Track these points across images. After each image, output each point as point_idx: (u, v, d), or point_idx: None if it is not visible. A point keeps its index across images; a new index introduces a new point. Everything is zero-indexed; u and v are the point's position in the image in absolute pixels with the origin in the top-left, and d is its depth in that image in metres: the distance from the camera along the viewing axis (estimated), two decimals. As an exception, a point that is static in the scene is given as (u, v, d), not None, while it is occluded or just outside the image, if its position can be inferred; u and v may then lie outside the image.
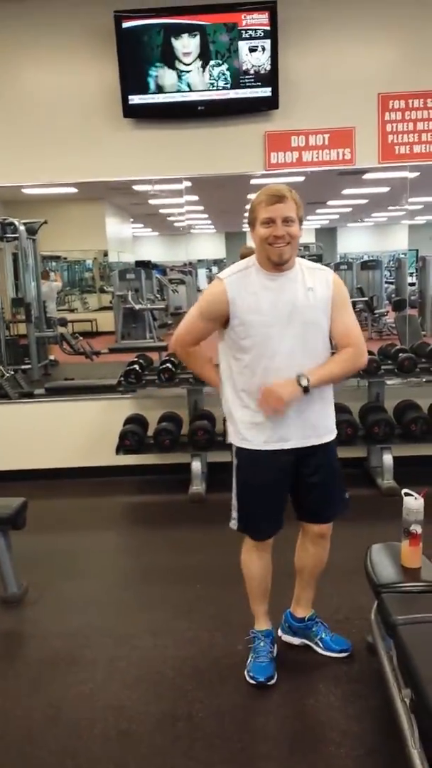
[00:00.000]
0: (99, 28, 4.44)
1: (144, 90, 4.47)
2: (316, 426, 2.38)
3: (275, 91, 4.44)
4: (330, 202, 8.20)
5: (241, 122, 4.59)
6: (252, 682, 2.46)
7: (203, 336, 2.41)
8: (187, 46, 4.39)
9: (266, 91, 4.45)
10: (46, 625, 3.01)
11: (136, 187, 5.48)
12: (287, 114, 4.54)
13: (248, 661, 2.54)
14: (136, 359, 4.91)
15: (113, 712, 2.36)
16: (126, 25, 4.35)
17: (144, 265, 8.61)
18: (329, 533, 2.55)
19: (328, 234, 9.86)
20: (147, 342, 7.37)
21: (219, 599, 3.13)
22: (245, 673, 2.50)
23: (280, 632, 2.72)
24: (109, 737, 2.24)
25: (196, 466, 4.55)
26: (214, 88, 4.46)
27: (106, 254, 8.61)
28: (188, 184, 4.91)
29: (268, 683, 2.45)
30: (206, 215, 8.75)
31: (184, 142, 4.62)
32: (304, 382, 2.24)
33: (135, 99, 4.48)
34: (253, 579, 2.58)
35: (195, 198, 5.48)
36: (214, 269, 12.06)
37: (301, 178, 5.03)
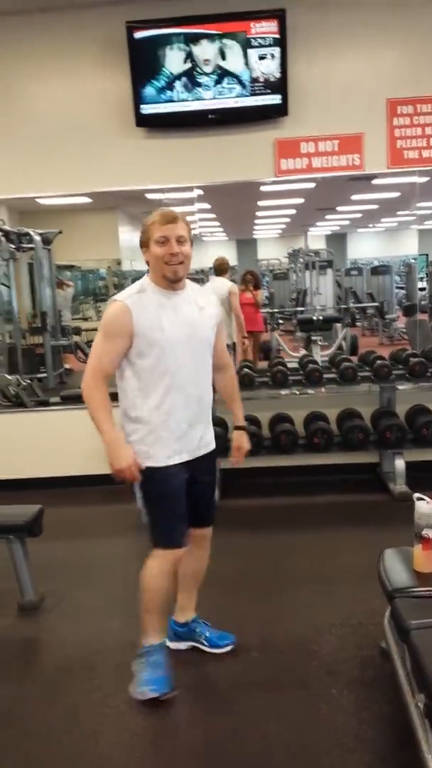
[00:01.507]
0: (111, 38, 4.50)
1: (155, 99, 4.52)
2: (204, 437, 2.52)
3: (285, 99, 4.48)
4: (340, 208, 8.21)
5: (251, 129, 4.63)
6: (148, 696, 2.40)
7: (115, 358, 2.36)
8: (198, 55, 4.44)
9: (276, 99, 4.49)
10: (63, 632, 3.04)
11: (148, 196, 5.52)
12: (297, 121, 4.58)
13: (142, 675, 2.44)
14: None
15: (128, 719, 2.38)
16: (138, 35, 4.40)
17: (157, 273, 8.63)
18: (209, 537, 2.71)
19: (338, 240, 9.86)
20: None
21: (231, 606, 3.14)
22: (136, 689, 2.43)
23: (167, 642, 2.62)
24: (124, 743, 2.26)
25: (210, 472, 4.56)
26: (225, 96, 4.50)
27: (119, 262, 8.65)
28: (200, 192, 4.95)
29: (163, 698, 2.40)
30: (218, 223, 8.78)
31: (195, 151, 4.67)
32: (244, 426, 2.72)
33: (147, 108, 4.54)
34: (159, 597, 2.47)
35: (207, 206, 5.51)
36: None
37: (312, 185, 5.07)
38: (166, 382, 2.35)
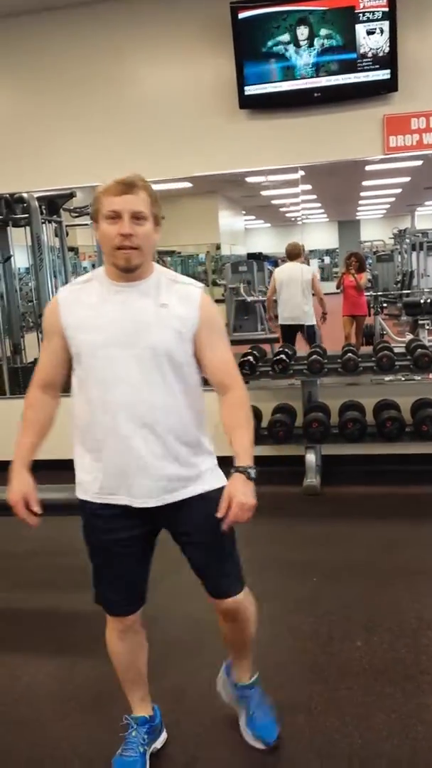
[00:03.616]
0: (214, 20, 4.46)
1: (260, 80, 4.46)
2: (178, 477, 1.90)
3: (394, 74, 4.30)
4: (450, 186, 7.87)
5: (358, 106, 4.48)
6: None
7: (53, 362, 1.93)
8: (303, 33, 4.34)
9: (385, 74, 4.32)
10: (166, 610, 3.06)
11: (248, 179, 5.50)
12: (407, 96, 4.39)
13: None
14: (249, 351, 4.93)
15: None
16: (242, 15, 4.34)
17: (256, 257, 8.61)
18: (237, 611, 2.06)
19: (447, 219, 9.45)
20: (259, 334, 7.36)
21: (336, 594, 3.10)
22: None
23: (222, 672, 2.30)
24: (232, 724, 2.26)
25: (311, 458, 4.52)
26: (331, 73, 4.38)
27: (218, 247, 8.68)
28: (302, 173, 4.87)
29: None
30: (319, 204, 8.63)
31: (299, 130, 4.57)
32: (253, 473, 1.82)
33: (251, 90, 4.48)
34: (116, 663, 2.11)
35: (308, 187, 5.42)
36: (326, 259, 11.86)
37: (419, 162, 4.89)
38: (98, 397, 1.83)
